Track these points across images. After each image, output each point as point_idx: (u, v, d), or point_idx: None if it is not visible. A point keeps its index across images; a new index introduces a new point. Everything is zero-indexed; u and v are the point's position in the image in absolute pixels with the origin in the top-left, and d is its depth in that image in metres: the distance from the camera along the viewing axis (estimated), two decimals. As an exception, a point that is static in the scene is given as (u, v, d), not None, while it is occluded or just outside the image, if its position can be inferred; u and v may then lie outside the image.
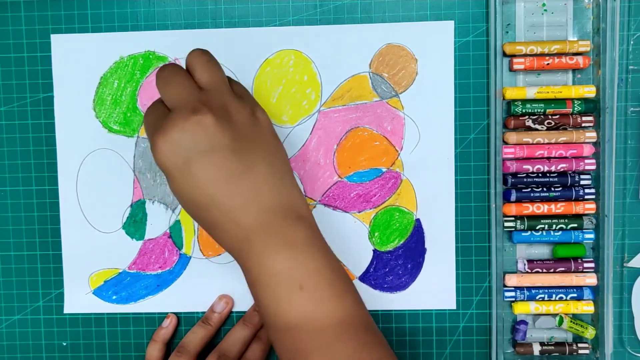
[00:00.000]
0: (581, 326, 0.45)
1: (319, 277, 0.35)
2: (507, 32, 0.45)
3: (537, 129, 0.44)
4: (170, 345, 0.47)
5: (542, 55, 0.44)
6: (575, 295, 0.45)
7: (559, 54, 0.44)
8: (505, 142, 0.45)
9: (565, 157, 0.44)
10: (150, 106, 0.37)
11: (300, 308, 0.35)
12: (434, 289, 0.46)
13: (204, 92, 0.35)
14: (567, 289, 0.45)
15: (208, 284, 0.47)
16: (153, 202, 0.47)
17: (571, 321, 0.45)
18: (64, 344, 0.48)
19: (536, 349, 0.45)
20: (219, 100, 0.35)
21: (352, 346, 0.35)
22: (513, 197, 0.44)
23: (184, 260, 0.47)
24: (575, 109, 0.44)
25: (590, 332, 0.45)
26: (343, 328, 0.35)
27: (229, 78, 0.38)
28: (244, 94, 0.38)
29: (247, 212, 0.35)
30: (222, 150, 0.34)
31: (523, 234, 0.45)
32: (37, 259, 0.47)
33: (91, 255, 0.47)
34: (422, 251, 0.46)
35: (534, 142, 0.44)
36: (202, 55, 0.37)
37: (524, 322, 0.46)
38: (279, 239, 0.35)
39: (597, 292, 0.45)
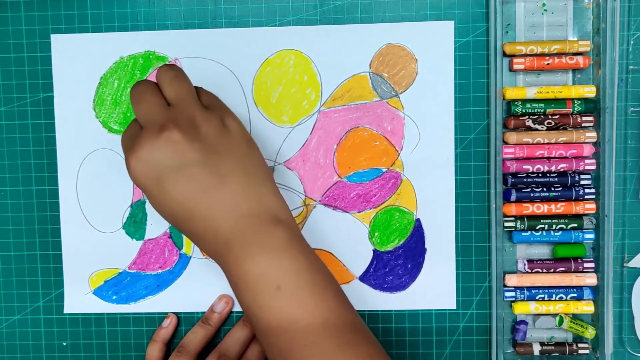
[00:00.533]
0: (581, 326, 0.45)
1: (297, 278, 0.36)
2: (507, 32, 0.45)
3: (537, 129, 0.44)
4: (170, 345, 0.47)
5: (542, 55, 0.44)
6: (575, 295, 0.45)
7: (559, 54, 0.44)
8: (505, 142, 0.45)
9: (565, 157, 0.44)
10: (128, 125, 0.38)
11: (280, 309, 0.36)
12: (434, 289, 0.46)
13: (171, 108, 0.36)
14: (567, 289, 0.45)
15: (208, 284, 0.47)
16: (153, 202, 0.47)
17: (571, 321, 0.45)
18: (64, 344, 0.48)
19: (536, 349, 0.45)
20: (186, 114, 0.36)
21: (336, 344, 0.35)
22: (513, 197, 0.44)
23: (184, 260, 0.47)
24: (575, 109, 0.44)
25: (590, 332, 0.45)
26: (326, 327, 0.36)
27: (198, 88, 0.39)
28: (212, 103, 0.38)
29: (224, 221, 0.36)
30: (192, 165, 0.35)
31: (523, 234, 0.45)
32: (37, 259, 0.47)
33: (91, 255, 0.47)
34: (422, 251, 0.46)
35: (534, 142, 0.44)
36: (168, 71, 0.37)
37: (524, 322, 0.46)
38: (256, 244, 0.36)
39: (597, 292, 0.45)
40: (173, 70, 0.38)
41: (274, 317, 0.36)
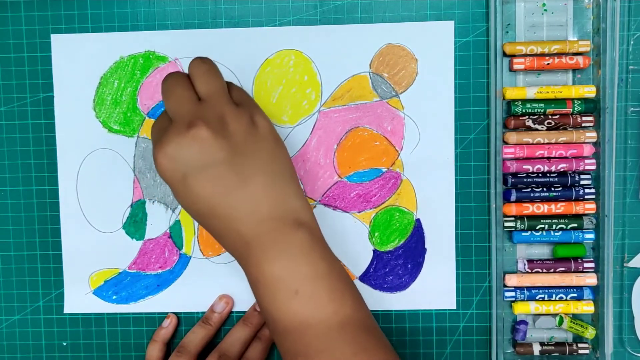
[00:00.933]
0: (581, 326, 0.45)
1: (316, 283, 0.36)
2: (507, 32, 0.45)
3: (537, 129, 0.44)
4: (170, 345, 0.47)
5: (542, 55, 0.44)
6: (575, 295, 0.45)
7: (559, 54, 0.44)
8: (505, 142, 0.45)
9: (565, 157, 0.44)
10: (158, 116, 0.38)
11: (297, 312, 0.35)
12: (434, 289, 0.46)
13: (201, 104, 0.36)
14: (567, 289, 0.45)
15: (208, 284, 0.47)
16: (153, 202, 0.47)
17: (571, 321, 0.45)
18: (64, 344, 0.48)
19: (536, 349, 0.45)
20: (215, 111, 0.36)
21: (351, 350, 0.35)
22: (513, 197, 0.44)
23: (184, 260, 0.47)
24: (575, 109, 0.44)
25: (590, 332, 0.45)
26: (342, 332, 0.36)
27: (229, 83, 0.38)
28: (243, 99, 0.38)
29: (245, 222, 0.36)
30: (218, 165, 0.35)
31: (523, 234, 0.45)
32: (37, 259, 0.47)
33: (91, 255, 0.47)
34: (422, 251, 0.46)
35: (534, 142, 0.44)
36: (201, 64, 0.37)
37: (524, 322, 0.46)
38: (276, 247, 0.36)
39: (597, 292, 0.45)
40: (206, 64, 0.37)
41: (290, 320, 0.36)
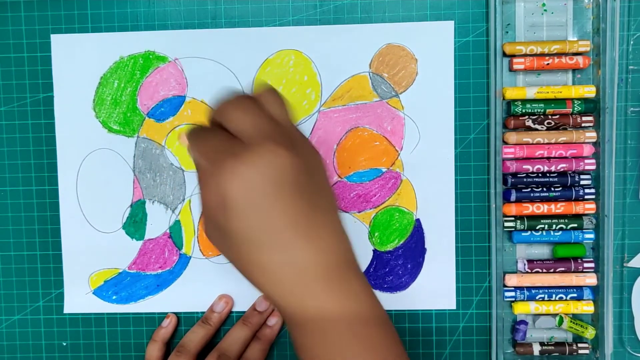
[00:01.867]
0: (581, 326, 0.45)
1: (367, 323, 0.34)
2: (507, 32, 0.45)
3: (537, 129, 0.44)
4: (170, 345, 0.47)
5: (542, 55, 0.44)
6: (575, 295, 0.45)
7: (559, 54, 0.44)
8: (505, 142, 0.45)
9: (565, 157, 0.44)
10: (201, 130, 0.34)
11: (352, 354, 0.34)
12: (434, 289, 0.46)
13: (282, 127, 0.33)
14: (567, 289, 0.45)
15: (208, 284, 0.47)
16: (153, 202, 0.47)
17: (571, 321, 0.45)
18: (64, 344, 0.48)
19: (536, 349, 0.45)
20: (295, 139, 0.33)
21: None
22: (513, 197, 0.44)
23: (184, 260, 0.47)
24: (575, 109, 0.44)
25: (590, 332, 0.45)
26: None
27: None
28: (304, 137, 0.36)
29: (305, 256, 0.33)
30: (293, 191, 0.32)
31: (523, 234, 0.45)
32: (37, 259, 0.47)
33: (91, 255, 0.47)
34: (422, 251, 0.46)
35: (534, 142, 0.44)
36: (274, 91, 0.34)
37: (524, 322, 0.46)
38: (335, 286, 0.34)
39: (597, 292, 0.45)
40: (277, 92, 0.35)
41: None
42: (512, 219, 0.45)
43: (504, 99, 0.44)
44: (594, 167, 0.44)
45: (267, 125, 0.32)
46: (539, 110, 0.44)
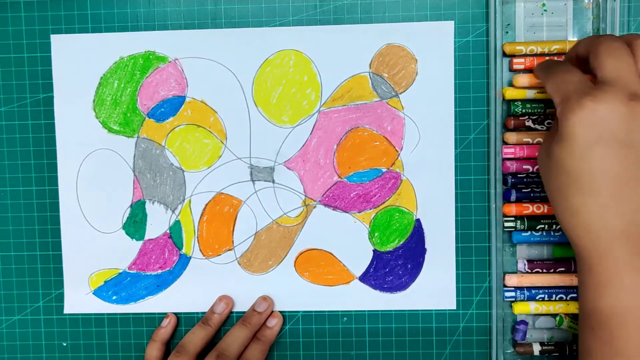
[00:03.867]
0: (581, 326, 0.45)
1: None
2: (507, 32, 0.45)
3: (537, 129, 0.44)
4: (170, 345, 0.47)
5: (542, 55, 0.44)
6: (575, 295, 0.45)
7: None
8: (505, 142, 0.45)
9: (565, 157, 0.44)
10: (568, 70, 0.36)
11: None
12: (434, 289, 0.46)
13: None
14: (567, 289, 0.45)
15: (208, 284, 0.47)
16: (153, 202, 0.47)
17: (571, 321, 0.45)
18: (64, 344, 0.48)
19: (536, 349, 0.45)
20: None
21: None
22: (513, 197, 0.44)
23: (184, 261, 0.47)
24: (575, 109, 0.44)
25: (590, 332, 0.45)
26: None
27: None
28: None
29: (619, 217, 0.34)
30: (628, 148, 0.33)
31: (523, 234, 0.45)
32: (37, 259, 0.47)
33: (91, 255, 0.47)
34: (422, 251, 0.46)
35: (534, 142, 0.44)
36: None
37: (524, 322, 0.46)
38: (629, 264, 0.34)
39: (597, 292, 0.45)
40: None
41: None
42: (512, 219, 0.45)
43: (504, 99, 0.44)
44: (594, 167, 0.44)
45: (632, 76, 0.34)
46: (539, 110, 0.44)
